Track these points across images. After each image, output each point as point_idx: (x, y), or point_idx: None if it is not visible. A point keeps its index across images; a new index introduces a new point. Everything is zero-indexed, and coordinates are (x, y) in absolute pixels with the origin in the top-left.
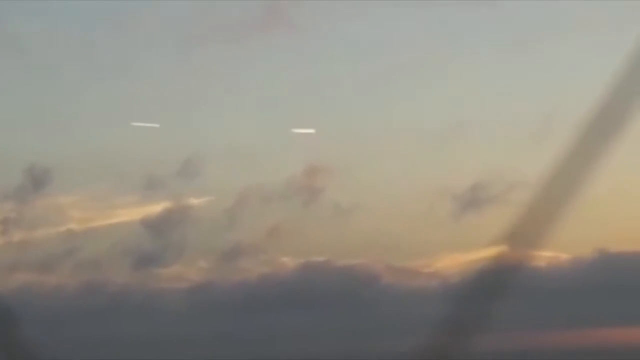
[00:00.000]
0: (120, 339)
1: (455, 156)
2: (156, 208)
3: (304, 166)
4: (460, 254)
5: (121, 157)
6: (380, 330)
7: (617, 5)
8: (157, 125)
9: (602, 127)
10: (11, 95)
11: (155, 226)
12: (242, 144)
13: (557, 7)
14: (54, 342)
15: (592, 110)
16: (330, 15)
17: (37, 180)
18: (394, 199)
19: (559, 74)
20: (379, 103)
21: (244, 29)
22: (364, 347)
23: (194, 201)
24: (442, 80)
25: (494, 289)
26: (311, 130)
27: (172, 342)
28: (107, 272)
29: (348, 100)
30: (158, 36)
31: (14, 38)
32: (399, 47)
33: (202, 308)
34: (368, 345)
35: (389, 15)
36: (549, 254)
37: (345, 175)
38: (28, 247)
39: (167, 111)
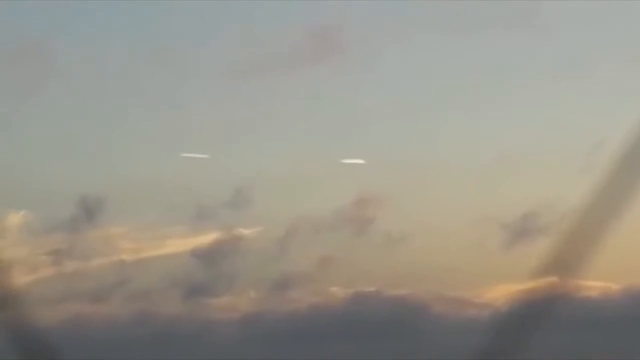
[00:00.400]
0: None
1: (506, 185)
2: (207, 238)
3: (353, 196)
4: (510, 284)
5: (171, 187)
6: None
7: None
8: (207, 156)
9: None
10: (61, 126)
11: (206, 256)
12: (291, 174)
13: (607, 35)
14: None
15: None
16: (379, 44)
17: (88, 211)
18: (444, 228)
19: (611, 102)
20: (428, 132)
21: (293, 59)
22: None
23: (244, 231)
24: (492, 109)
25: (545, 319)
26: (360, 161)
27: None
28: (158, 303)
29: (397, 129)
30: (207, 66)
31: (64, 69)
32: (448, 75)
33: (253, 338)
34: None
35: (438, 43)
36: (600, 284)
37: (395, 205)
38: (79, 278)
39: (217, 142)
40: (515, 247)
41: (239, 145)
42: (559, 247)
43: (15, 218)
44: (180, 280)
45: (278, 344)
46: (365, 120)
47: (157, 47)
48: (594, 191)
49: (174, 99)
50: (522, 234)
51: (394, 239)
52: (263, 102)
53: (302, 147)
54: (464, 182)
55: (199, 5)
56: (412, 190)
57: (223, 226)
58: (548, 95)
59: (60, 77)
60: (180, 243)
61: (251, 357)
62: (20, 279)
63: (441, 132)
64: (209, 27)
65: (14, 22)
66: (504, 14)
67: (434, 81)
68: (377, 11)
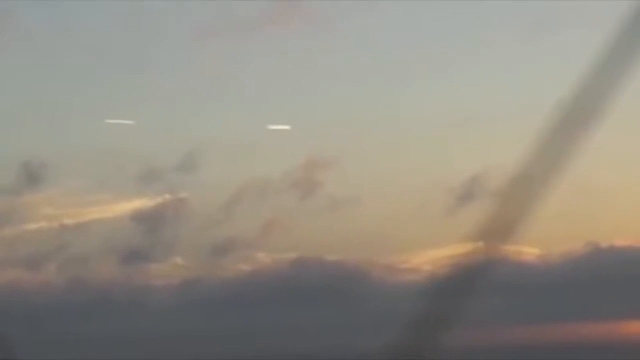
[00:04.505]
0: (108, 335)
1: (456, 149)
2: (150, 203)
3: (301, 160)
4: (453, 248)
5: (114, 152)
6: (369, 326)
7: None
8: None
9: (591, 122)
10: (16, 89)
11: (147, 221)
12: (240, 138)
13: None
14: (41, 339)
15: (590, 105)
16: (342, 7)
17: (29, 176)
18: (391, 192)
19: (571, 66)
20: (382, 96)
21: (256, 22)
22: (354, 343)
23: (188, 196)
24: (448, 73)
25: (486, 283)
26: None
27: (163, 339)
28: (96, 268)
29: (351, 93)
30: (165, 31)
31: (24, 32)
32: (407, 39)
33: (193, 304)
34: (358, 341)
35: (400, 6)
36: (537, 250)
37: (344, 169)
38: (17, 243)
39: (167, 106)
40: (459, 211)
41: (188, 110)
42: (497, 211)
43: None
44: (119, 245)
45: (218, 309)
46: (320, 84)
47: (122, 11)
48: (532, 156)
49: (137, 62)
50: (467, 199)
51: (340, 203)
52: (215, 67)
53: (252, 111)
54: (415, 146)
55: None
56: (361, 154)
57: (166, 190)
58: (505, 60)
59: (19, 40)
60: (121, 208)
61: (190, 322)
62: None
63: (395, 96)
64: None
65: None
66: None
67: (393, 44)
68: None
